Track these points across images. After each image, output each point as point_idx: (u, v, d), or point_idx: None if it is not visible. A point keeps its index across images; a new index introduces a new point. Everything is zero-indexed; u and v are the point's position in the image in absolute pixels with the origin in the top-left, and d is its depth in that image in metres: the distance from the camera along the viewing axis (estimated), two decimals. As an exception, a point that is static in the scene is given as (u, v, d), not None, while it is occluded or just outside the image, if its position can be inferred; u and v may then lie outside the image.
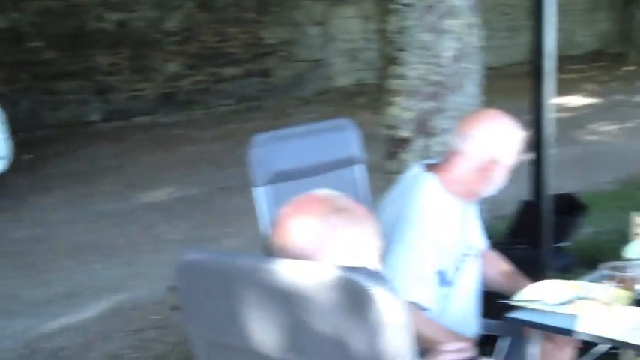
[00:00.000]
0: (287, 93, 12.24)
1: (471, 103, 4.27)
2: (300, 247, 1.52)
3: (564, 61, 15.23)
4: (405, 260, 2.40)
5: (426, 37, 4.13)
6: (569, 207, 4.82)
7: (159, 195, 7.24)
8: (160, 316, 4.44)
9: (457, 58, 4.19)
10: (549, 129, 3.76)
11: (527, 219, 4.52)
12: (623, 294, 2.31)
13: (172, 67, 11.27)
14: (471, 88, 4.29)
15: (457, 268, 2.58)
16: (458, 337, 2.37)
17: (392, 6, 4.15)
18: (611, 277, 2.39)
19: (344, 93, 12.52)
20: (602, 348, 2.84)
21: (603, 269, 2.43)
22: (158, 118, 10.85)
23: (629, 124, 9.55)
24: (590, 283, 2.44)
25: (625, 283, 2.34)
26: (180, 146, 9.23)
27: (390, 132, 4.36)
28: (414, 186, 2.54)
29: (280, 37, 12.36)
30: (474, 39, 4.31)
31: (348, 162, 2.97)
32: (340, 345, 1.33)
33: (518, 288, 2.50)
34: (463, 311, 2.59)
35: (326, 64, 12.84)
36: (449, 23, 4.14)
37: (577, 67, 14.83)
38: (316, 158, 2.88)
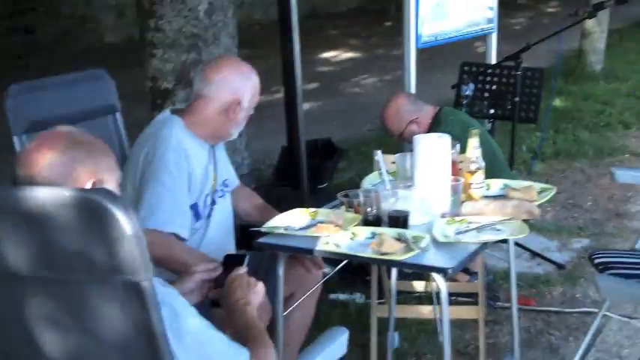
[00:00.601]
0: (54, 50, 11.87)
1: (227, 54, 4.48)
2: (44, 178, 1.67)
3: (329, 17, 15.88)
4: (160, 196, 2.59)
5: None
6: (328, 152, 5.18)
7: None
8: None
9: (211, 12, 4.37)
10: (299, 80, 4.04)
11: (287, 163, 4.83)
12: (353, 217, 2.64)
13: None
14: (227, 40, 4.51)
15: (211, 203, 2.80)
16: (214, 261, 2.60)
17: (144, -39, 4.27)
18: (344, 204, 2.71)
19: (114, 49, 12.33)
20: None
21: (339, 197, 2.75)
22: None
23: (388, 77, 10.20)
24: (328, 210, 2.77)
25: (355, 208, 2.67)
26: None
27: (154, 84, 4.49)
28: (160, 128, 2.72)
29: (41, -7, 11.96)
30: None
31: (105, 110, 3.11)
32: (85, 258, 1.51)
33: (269, 219, 2.75)
34: (219, 242, 2.83)
35: (93, 20, 12.57)
36: None
37: (341, 24, 15.50)
38: (73, 107, 2.97)
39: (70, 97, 2.99)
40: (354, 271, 3.95)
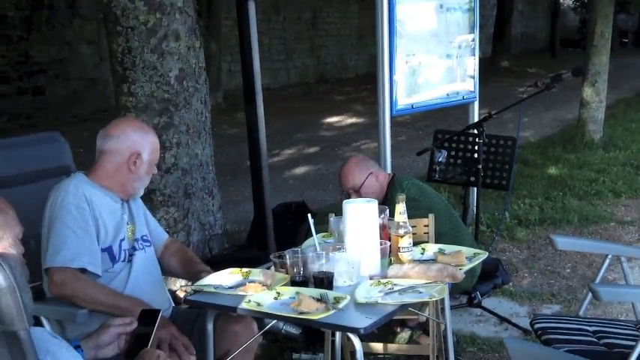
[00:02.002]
0: (63, 111, 12.13)
1: (198, 118, 4.64)
2: None
3: (337, 83, 16.09)
4: (63, 236, 2.74)
5: (151, 57, 4.45)
6: (301, 214, 5.26)
7: None
8: None
9: (182, 78, 4.55)
10: (264, 145, 4.16)
11: (258, 225, 4.94)
12: (282, 277, 2.73)
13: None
14: (198, 105, 4.65)
15: (130, 248, 2.93)
16: (134, 301, 2.73)
17: (117, 28, 4.45)
18: (276, 264, 2.81)
19: (122, 111, 12.57)
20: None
21: (271, 258, 2.84)
22: None
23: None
24: (259, 269, 2.86)
25: (286, 268, 2.76)
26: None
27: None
28: (62, 181, 2.91)
29: (52, 56, 12.24)
30: (197, 60, 4.68)
31: (59, 171, 3.22)
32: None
33: (200, 275, 2.87)
34: (147, 290, 2.91)
35: (102, 82, 12.82)
36: (171, 45, 4.48)
37: (348, 89, 15.72)
38: (27, 168, 3.12)
39: (25, 158, 3.12)
40: (318, 332, 4.01)
